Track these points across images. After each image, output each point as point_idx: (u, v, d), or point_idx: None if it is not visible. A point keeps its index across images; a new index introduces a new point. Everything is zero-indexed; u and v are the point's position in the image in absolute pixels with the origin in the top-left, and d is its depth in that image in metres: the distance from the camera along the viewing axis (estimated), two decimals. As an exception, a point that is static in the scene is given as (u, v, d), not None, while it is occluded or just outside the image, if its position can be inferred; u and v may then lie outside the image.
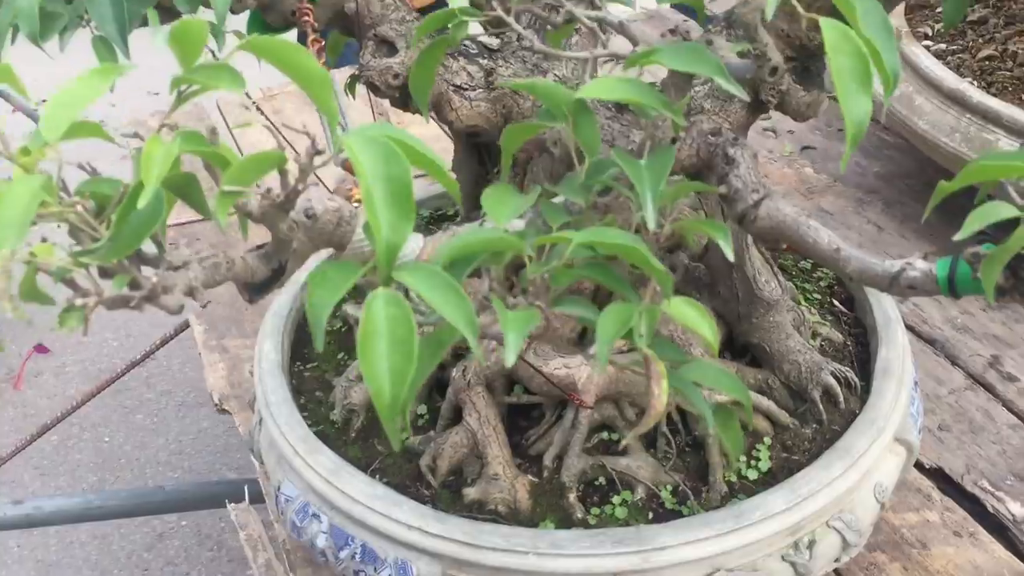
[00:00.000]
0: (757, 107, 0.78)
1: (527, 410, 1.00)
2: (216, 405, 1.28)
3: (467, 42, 0.94)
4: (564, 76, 0.95)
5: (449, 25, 0.61)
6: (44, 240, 0.45)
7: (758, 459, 0.93)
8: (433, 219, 1.24)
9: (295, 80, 0.52)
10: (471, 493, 0.92)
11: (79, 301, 0.43)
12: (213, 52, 0.65)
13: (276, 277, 0.59)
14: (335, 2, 0.90)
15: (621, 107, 0.73)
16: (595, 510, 0.91)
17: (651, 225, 0.50)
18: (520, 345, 0.48)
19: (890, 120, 1.52)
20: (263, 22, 0.90)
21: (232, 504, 1.18)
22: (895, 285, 0.59)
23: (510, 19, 0.59)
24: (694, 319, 0.52)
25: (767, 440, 0.95)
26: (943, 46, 1.50)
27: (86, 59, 0.62)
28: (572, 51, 0.60)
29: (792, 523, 0.87)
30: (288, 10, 0.87)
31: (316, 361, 1.10)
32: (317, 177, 0.96)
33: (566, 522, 0.90)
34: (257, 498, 1.19)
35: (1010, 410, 1.22)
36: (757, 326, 0.97)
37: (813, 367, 0.97)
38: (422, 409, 1.01)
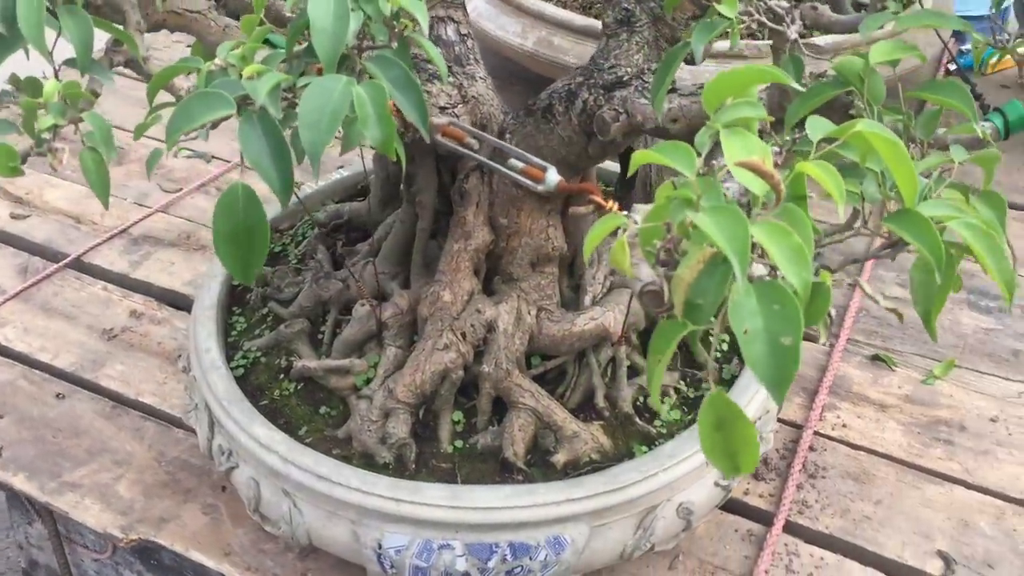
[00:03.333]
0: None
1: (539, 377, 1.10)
2: (123, 538, 1.12)
3: (430, 65, 0.99)
4: (483, 76, 1.05)
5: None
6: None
7: (724, 340, 1.17)
8: (335, 227, 1.24)
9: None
10: (561, 458, 1.02)
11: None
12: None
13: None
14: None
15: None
16: (657, 423, 1.07)
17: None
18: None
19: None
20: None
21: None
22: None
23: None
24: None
25: (712, 320, 1.19)
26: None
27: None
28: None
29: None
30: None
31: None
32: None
33: (649, 440, 1.05)
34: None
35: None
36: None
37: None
38: (457, 416, 1.06)
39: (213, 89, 0.62)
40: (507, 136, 1.03)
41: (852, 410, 1.35)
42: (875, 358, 1.44)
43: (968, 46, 2.31)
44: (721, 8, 0.70)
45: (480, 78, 1.03)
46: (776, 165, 0.61)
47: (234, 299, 1.22)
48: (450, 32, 1.06)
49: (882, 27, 0.73)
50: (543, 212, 1.05)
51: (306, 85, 0.62)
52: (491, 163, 0.79)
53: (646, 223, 0.56)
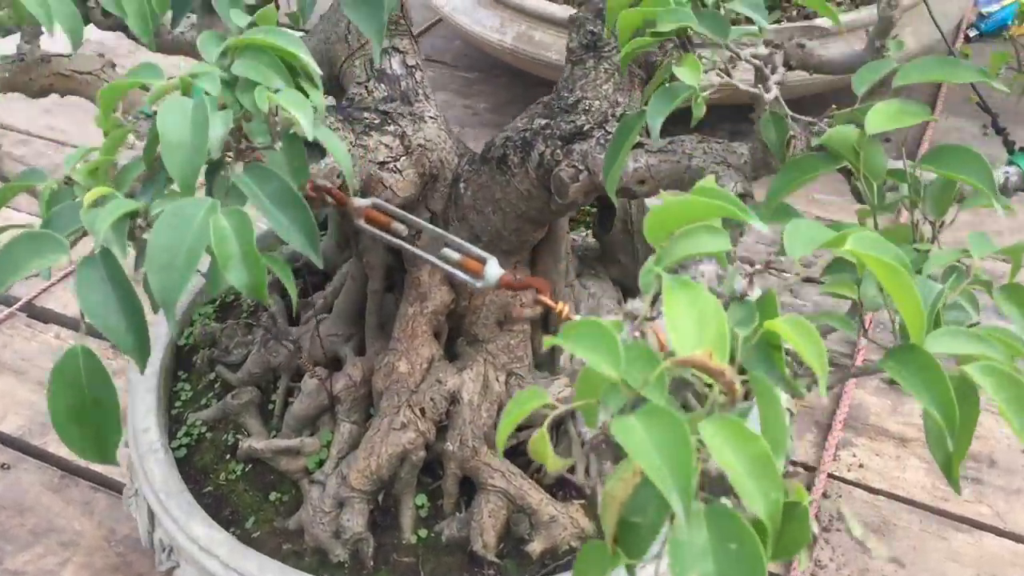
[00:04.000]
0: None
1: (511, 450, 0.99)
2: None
3: (366, 113, 0.86)
4: (434, 115, 0.92)
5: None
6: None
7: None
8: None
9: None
10: (537, 547, 0.91)
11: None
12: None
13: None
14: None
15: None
16: (646, 497, 0.95)
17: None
18: None
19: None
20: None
21: None
22: (1005, 191, 0.72)
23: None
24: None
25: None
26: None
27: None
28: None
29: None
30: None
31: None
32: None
33: (636, 520, 0.93)
34: None
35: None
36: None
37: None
38: (421, 499, 0.95)
39: (43, 230, 0.50)
40: (461, 185, 0.90)
41: (869, 446, 1.23)
42: (893, 382, 1.31)
43: (990, 8, 2.15)
44: (681, 73, 0.57)
45: (430, 118, 0.91)
46: (752, 281, 0.48)
47: (180, 362, 1.11)
48: (395, 65, 0.93)
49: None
50: (509, 265, 0.93)
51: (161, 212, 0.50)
52: (421, 253, 0.66)
53: (577, 400, 0.44)
